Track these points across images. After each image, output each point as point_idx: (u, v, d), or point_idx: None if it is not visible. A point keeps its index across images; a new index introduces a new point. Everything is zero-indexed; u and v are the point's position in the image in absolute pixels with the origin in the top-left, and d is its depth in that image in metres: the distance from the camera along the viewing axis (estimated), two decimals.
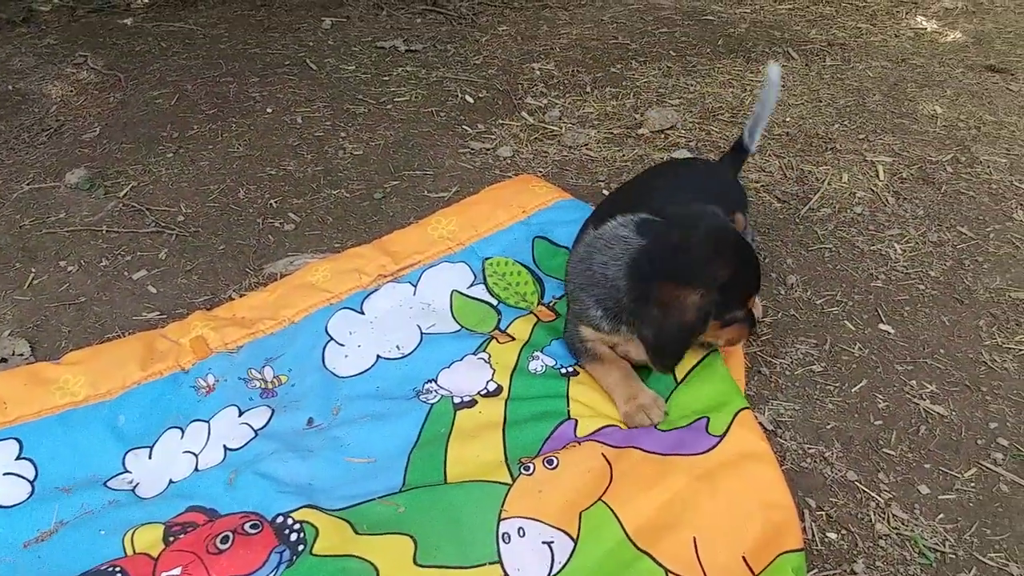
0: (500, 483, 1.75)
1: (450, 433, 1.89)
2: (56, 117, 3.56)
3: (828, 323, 2.29)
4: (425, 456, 1.85)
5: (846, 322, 2.30)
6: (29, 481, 1.85)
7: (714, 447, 1.77)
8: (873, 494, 1.83)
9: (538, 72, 3.82)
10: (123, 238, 2.69)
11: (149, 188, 2.98)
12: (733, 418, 1.82)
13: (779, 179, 2.99)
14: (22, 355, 2.20)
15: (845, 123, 3.37)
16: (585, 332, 2.01)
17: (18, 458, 1.88)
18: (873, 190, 2.91)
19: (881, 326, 2.28)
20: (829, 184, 2.94)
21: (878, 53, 4.03)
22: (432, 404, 1.97)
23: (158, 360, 2.12)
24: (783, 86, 3.66)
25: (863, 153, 3.15)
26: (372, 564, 1.59)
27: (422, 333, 2.19)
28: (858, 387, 2.09)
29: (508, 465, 1.81)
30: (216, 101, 3.60)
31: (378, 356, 2.14)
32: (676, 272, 1.79)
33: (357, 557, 1.61)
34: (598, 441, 1.85)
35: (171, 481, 1.87)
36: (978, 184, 2.94)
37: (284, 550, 1.64)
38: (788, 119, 3.39)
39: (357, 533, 1.67)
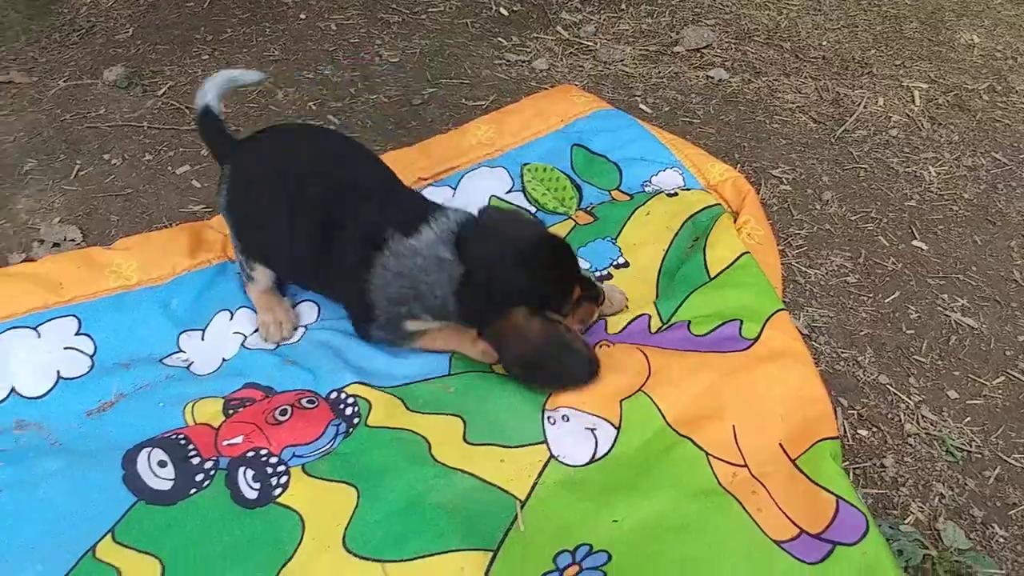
0: None
1: None
2: (87, 18, 3.54)
3: (862, 238, 2.33)
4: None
5: (880, 237, 2.34)
6: (89, 356, 1.91)
7: (748, 348, 1.82)
8: (903, 397, 1.89)
9: None
10: (165, 134, 2.71)
11: (187, 88, 2.99)
12: (766, 321, 1.85)
13: (815, 100, 2.99)
14: (74, 240, 2.25)
15: (881, 49, 3.36)
16: (410, 325, 1.87)
17: (77, 334, 1.94)
18: (908, 115, 2.92)
19: (914, 242, 2.32)
20: (865, 107, 2.95)
21: None
22: None
23: (205, 250, 2.17)
24: (819, 10, 3.64)
25: (899, 79, 3.14)
26: (424, 438, 1.67)
27: None
28: (891, 298, 2.14)
29: None
30: (249, 6, 3.58)
31: None
32: (497, 300, 1.71)
33: (409, 431, 1.68)
34: (631, 343, 1.90)
35: (224, 360, 1.93)
36: (1013, 113, 2.95)
37: (340, 423, 1.72)
38: (824, 43, 3.38)
39: (409, 410, 1.74)
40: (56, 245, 2.23)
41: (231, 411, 1.77)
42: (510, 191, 2.37)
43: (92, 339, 1.94)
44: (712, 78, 3.10)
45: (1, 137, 2.71)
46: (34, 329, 1.93)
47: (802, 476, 1.53)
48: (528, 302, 1.70)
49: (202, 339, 1.99)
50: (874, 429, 1.82)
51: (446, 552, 1.46)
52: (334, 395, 1.77)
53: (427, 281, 1.75)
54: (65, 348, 1.91)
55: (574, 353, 1.74)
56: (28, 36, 3.38)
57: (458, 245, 1.74)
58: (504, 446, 1.67)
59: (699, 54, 3.26)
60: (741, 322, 1.85)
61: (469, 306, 1.73)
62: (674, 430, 1.67)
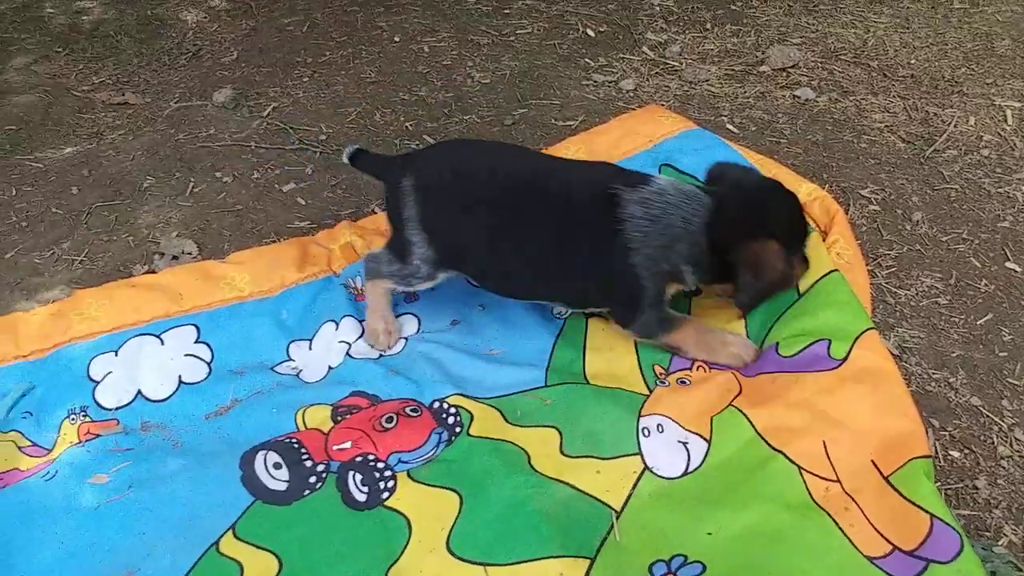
0: (638, 393, 1.87)
1: (585, 336, 2.03)
2: (193, 42, 3.75)
3: (954, 259, 2.33)
4: (565, 356, 1.99)
5: (972, 259, 2.33)
6: (207, 363, 2.05)
7: (837, 367, 1.83)
8: (996, 419, 1.89)
9: (658, 8, 3.84)
10: (271, 153, 2.87)
11: (289, 109, 3.15)
12: (855, 341, 1.84)
13: (903, 120, 2.99)
14: (190, 254, 2.40)
15: (972, 67, 3.33)
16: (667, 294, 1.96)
17: (196, 341, 2.08)
18: (1001, 134, 2.90)
19: (1008, 264, 2.31)
20: (955, 126, 2.93)
21: None
22: (564, 317, 2.10)
23: (312, 263, 2.29)
24: (907, 28, 3.62)
25: (991, 97, 3.11)
26: (523, 449, 1.75)
27: None
28: (983, 320, 2.14)
29: (643, 375, 1.93)
30: (345, 29, 3.74)
31: None
32: (754, 229, 1.81)
33: (508, 442, 1.77)
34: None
35: (330, 367, 2.05)
36: None
37: (443, 431, 1.81)
38: (913, 61, 3.37)
39: (507, 422, 1.82)
40: (175, 258, 2.38)
41: (339, 417, 1.88)
42: None
43: (210, 347, 2.07)
44: (799, 97, 3.12)
45: (121, 155, 2.90)
46: (158, 336, 2.08)
47: (895, 493, 1.55)
48: (779, 235, 1.80)
49: (310, 348, 2.10)
50: (966, 451, 1.83)
51: (546, 558, 1.54)
52: (437, 405, 1.87)
53: (682, 216, 1.83)
54: (186, 355, 2.05)
55: None
56: (140, 59, 3.60)
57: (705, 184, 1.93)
58: (599, 457, 1.74)
59: (785, 73, 3.28)
60: (830, 342, 1.86)
61: (724, 232, 1.82)
62: (765, 441, 1.71)
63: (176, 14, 4.00)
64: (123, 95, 3.31)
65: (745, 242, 1.78)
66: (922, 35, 3.58)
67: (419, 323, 2.16)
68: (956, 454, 1.82)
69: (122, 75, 3.48)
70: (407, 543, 1.60)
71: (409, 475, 1.73)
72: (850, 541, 1.51)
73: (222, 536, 1.65)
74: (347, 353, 2.08)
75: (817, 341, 1.88)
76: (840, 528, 1.53)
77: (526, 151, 2.17)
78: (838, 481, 1.61)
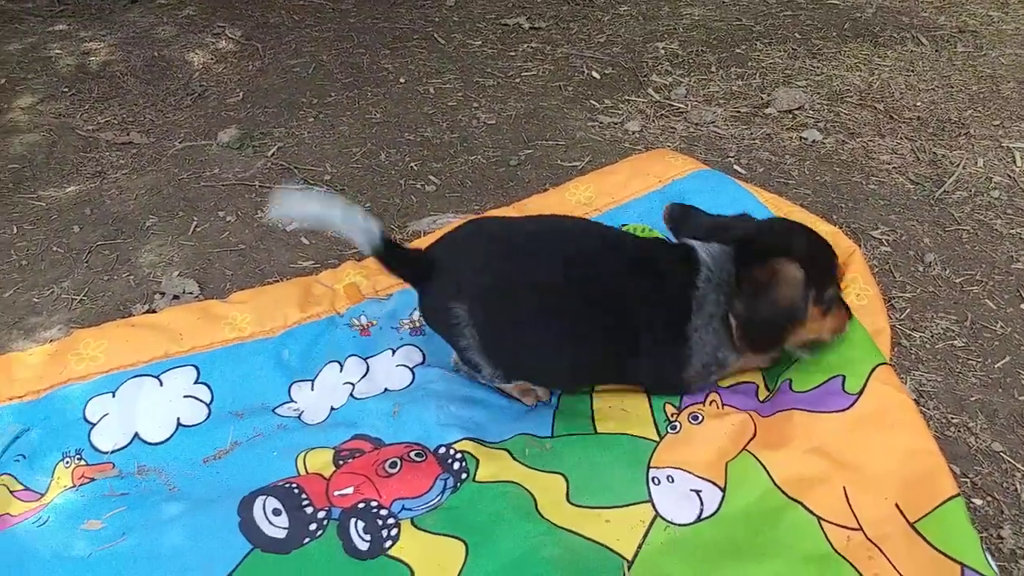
0: (648, 439, 1.82)
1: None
2: (199, 82, 3.75)
3: (968, 301, 2.29)
4: (571, 404, 1.94)
5: (987, 301, 2.29)
6: (206, 404, 2.00)
7: (852, 404, 1.78)
8: (1019, 465, 1.83)
9: (662, 51, 3.85)
10: (275, 193, 2.84)
11: (294, 149, 3.13)
12: (870, 375, 1.80)
13: (911, 161, 2.97)
14: (192, 293, 2.36)
15: (979, 109, 3.32)
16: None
17: (196, 383, 2.03)
18: (1011, 175, 2.87)
19: (1023, 306, 2.26)
20: (964, 168, 2.91)
21: (1011, 41, 3.94)
22: None
23: (315, 303, 2.25)
24: (911, 71, 3.62)
25: (998, 139, 3.10)
26: (530, 493, 1.69)
27: None
28: (1001, 363, 2.09)
29: (654, 417, 1.88)
30: (351, 71, 3.75)
31: None
32: (768, 248, 1.75)
33: (516, 483, 1.71)
34: (736, 407, 1.89)
35: (332, 408, 1.99)
36: None
37: (448, 477, 1.75)
38: (919, 103, 3.36)
39: (515, 459, 1.77)
40: (176, 297, 2.35)
41: (341, 461, 1.82)
42: None
43: (209, 388, 2.03)
44: (806, 139, 3.10)
45: (124, 194, 2.88)
46: (156, 377, 2.03)
47: (922, 541, 1.50)
48: (799, 258, 1.71)
49: (312, 389, 2.05)
50: (989, 498, 1.77)
51: None
52: (443, 450, 1.81)
53: (723, 269, 1.78)
54: (185, 396, 2.00)
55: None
56: (146, 99, 3.60)
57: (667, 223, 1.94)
58: (608, 507, 1.68)
59: (791, 115, 3.28)
60: (844, 377, 1.83)
61: (743, 258, 1.76)
62: (783, 491, 1.65)
63: (183, 55, 4.01)
64: (128, 135, 3.31)
65: (757, 264, 1.72)
66: (927, 78, 3.58)
67: (423, 355, 2.11)
68: (979, 502, 1.76)
69: (127, 115, 3.48)
70: None
71: (413, 523, 1.67)
72: None
73: None
74: (351, 394, 2.03)
75: (832, 378, 1.85)
76: None
77: (572, 221, 2.04)
78: (860, 529, 1.55)
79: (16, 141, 3.27)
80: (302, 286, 2.31)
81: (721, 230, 1.86)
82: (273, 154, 3.09)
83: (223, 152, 3.12)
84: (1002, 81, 3.55)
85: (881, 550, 1.51)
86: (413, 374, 2.05)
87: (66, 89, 3.68)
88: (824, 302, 1.79)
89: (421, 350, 2.13)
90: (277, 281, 2.41)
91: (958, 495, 1.54)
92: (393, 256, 1.83)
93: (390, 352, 2.12)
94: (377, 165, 3.00)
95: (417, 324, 2.19)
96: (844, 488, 1.62)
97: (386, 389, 2.02)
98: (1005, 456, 1.86)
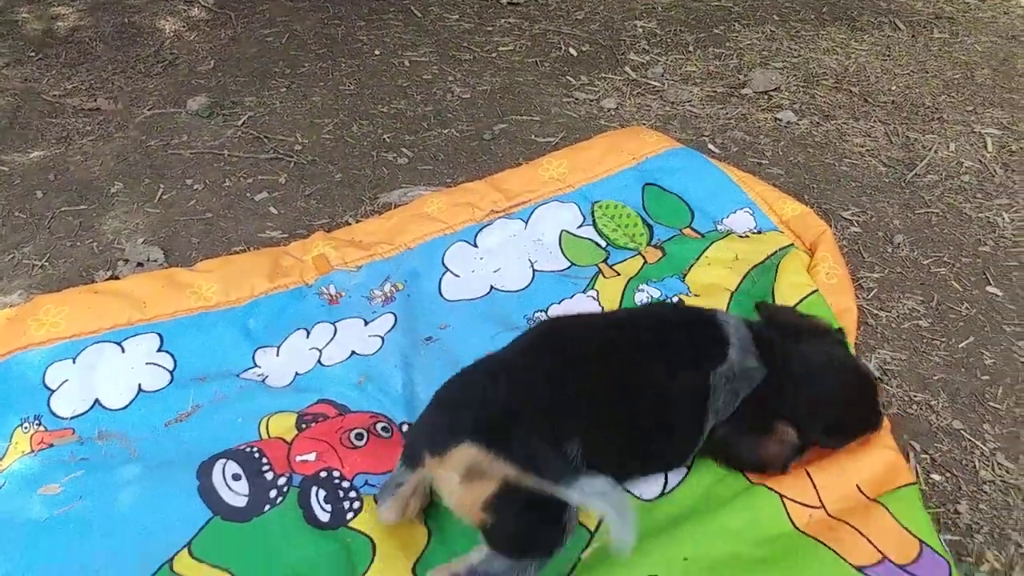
0: None
1: None
2: (170, 50, 3.69)
3: (935, 282, 2.31)
4: None
5: (953, 282, 2.31)
6: (169, 371, 1.97)
7: None
8: (978, 443, 1.85)
9: (640, 30, 3.83)
10: (244, 162, 2.81)
11: (265, 119, 3.09)
12: None
13: (884, 144, 2.98)
14: (156, 261, 2.33)
15: (952, 95, 3.33)
16: None
17: (159, 350, 2.00)
18: (981, 161, 2.89)
19: (988, 288, 2.28)
20: (936, 152, 2.93)
21: (987, 29, 3.96)
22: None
23: (283, 275, 2.22)
24: (888, 56, 3.63)
25: (970, 124, 3.11)
26: None
27: (534, 271, 2.26)
28: (965, 343, 2.11)
29: None
30: (325, 42, 3.70)
31: (492, 287, 2.22)
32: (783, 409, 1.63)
33: None
34: None
35: (297, 374, 1.97)
36: None
37: None
38: (894, 87, 3.37)
39: None
40: (140, 265, 2.31)
41: (304, 426, 1.81)
42: (581, 225, 2.40)
43: (172, 356, 2.00)
44: (780, 120, 3.11)
45: (90, 161, 2.83)
46: (118, 344, 2.00)
47: (885, 511, 1.52)
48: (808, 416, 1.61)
49: (277, 355, 2.03)
50: (948, 474, 1.79)
51: None
52: (407, 427, 1.80)
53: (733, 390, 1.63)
54: (147, 363, 1.98)
55: None
56: (115, 66, 3.54)
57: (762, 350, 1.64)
58: None
59: (767, 96, 3.27)
60: None
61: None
62: (746, 477, 1.66)
63: (153, 22, 3.94)
64: (95, 101, 3.25)
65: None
66: (903, 63, 3.59)
67: (395, 320, 2.10)
68: (937, 477, 1.78)
69: (95, 81, 3.41)
70: (371, 563, 1.53)
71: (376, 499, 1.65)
72: (836, 553, 1.46)
73: (177, 553, 1.57)
74: (318, 361, 2.01)
75: None
76: (825, 544, 1.48)
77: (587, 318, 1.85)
78: (822, 507, 1.57)
79: None
80: (271, 256, 2.28)
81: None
82: (243, 123, 3.05)
83: (192, 120, 3.07)
84: (976, 68, 3.56)
85: (843, 521, 1.52)
86: (383, 340, 2.03)
87: (33, 53, 3.60)
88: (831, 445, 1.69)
89: (394, 315, 2.11)
90: (244, 250, 2.38)
91: (915, 483, 1.57)
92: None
93: (362, 322, 2.10)
94: (349, 137, 2.96)
95: (388, 295, 2.18)
96: (807, 471, 1.63)
97: (353, 352, 2.00)
98: (965, 434, 1.87)
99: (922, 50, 3.71)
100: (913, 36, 3.85)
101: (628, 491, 1.64)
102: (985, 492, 1.75)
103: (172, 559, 1.56)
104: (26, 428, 1.85)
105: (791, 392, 1.62)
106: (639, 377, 1.57)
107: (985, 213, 2.60)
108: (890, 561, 1.44)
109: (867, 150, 2.94)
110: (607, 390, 1.54)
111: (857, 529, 1.50)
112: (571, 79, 3.39)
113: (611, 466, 1.45)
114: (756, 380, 1.61)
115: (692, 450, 1.66)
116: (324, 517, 1.62)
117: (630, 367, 1.58)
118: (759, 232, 2.31)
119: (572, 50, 3.65)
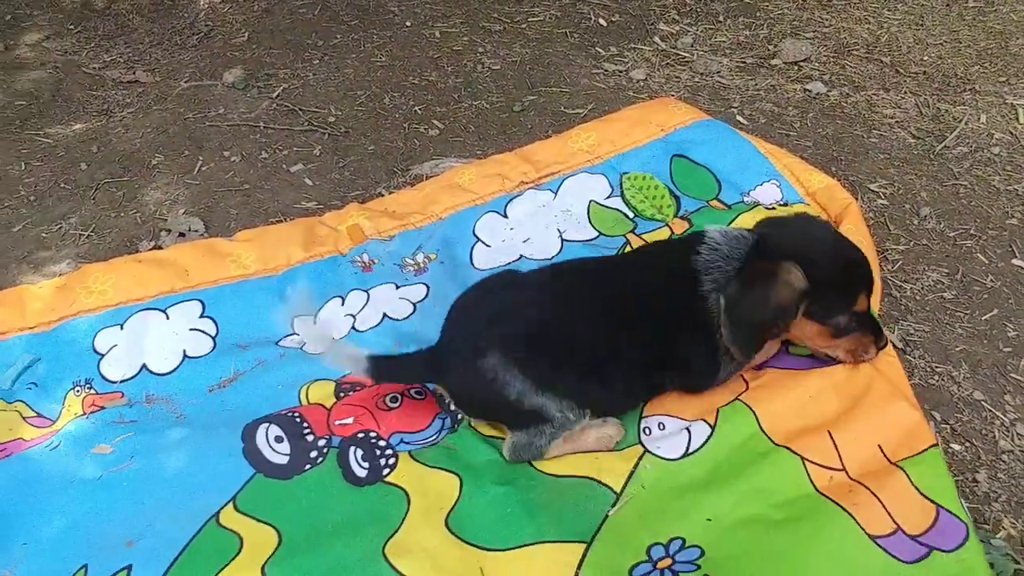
0: None
1: None
2: (205, 22, 3.75)
3: (960, 254, 2.33)
4: None
5: (979, 255, 2.32)
6: (211, 337, 2.06)
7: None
8: (998, 414, 1.89)
9: (670, 0, 3.83)
10: (279, 134, 2.87)
11: (299, 91, 3.15)
12: None
13: (914, 116, 2.98)
14: (197, 231, 2.41)
15: (985, 65, 3.31)
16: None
17: (201, 316, 2.08)
18: (1012, 132, 2.88)
19: (1015, 261, 2.30)
20: (966, 124, 2.92)
21: None
22: None
23: (318, 244, 2.29)
24: (920, 25, 3.60)
25: (1003, 96, 3.10)
26: None
27: (562, 240, 2.31)
28: (988, 315, 2.13)
29: None
30: (357, 13, 3.74)
31: (521, 255, 2.27)
32: (769, 249, 1.66)
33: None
34: None
35: (334, 340, 2.04)
36: None
37: (446, 417, 1.82)
38: (926, 58, 3.35)
39: None
40: (181, 235, 2.39)
41: (342, 393, 1.88)
42: (610, 196, 2.43)
43: (215, 322, 2.08)
44: (810, 91, 3.11)
45: (130, 132, 2.91)
46: (163, 311, 2.08)
47: (903, 475, 1.56)
48: (802, 264, 1.60)
49: (314, 323, 2.10)
50: (967, 444, 1.83)
51: (542, 543, 1.54)
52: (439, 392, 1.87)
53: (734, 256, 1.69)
54: (191, 329, 2.06)
55: None
56: (152, 38, 3.61)
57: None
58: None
59: (797, 67, 3.27)
60: None
61: (752, 261, 1.66)
62: (769, 438, 1.71)
63: None
64: (134, 73, 3.32)
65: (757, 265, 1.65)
66: (936, 32, 3.56)
67: (427, 291, 2.17)
68: (957, 447, 1.82)
69: (133, 54, 3.48)
70: (406, 514, 1.61)
71: (411, 455, 1.73)
72: (853, 519, 1.51)
73: (222, 508, 1.66)
74: (352, 327, 2.08)
75: None
76: (843, 508, 1.53)
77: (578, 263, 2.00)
78: (843, 469, 1.61)
79: (23, 78, 3.29)
80: (306, 227, 2.35)
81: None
82: (278, 95, 3.11)
83: (228, 92, 3.14)
84: (1011, 37, 3.53)
85: (864, 484, 1.57)
86: (414, 307, 2.10)
87: (72, 26, 3.68)
88: (830, 322, 1.69)
89: (426, 286, 2.17)
90: (281, 221, 2.45)
91: (936, 445, 1.61)
92: (391, 367, 1.78)
93: (393, 286, 2.17)
94: (381, 108, 3.02)
95: (421, 265, 2.24)
96: (830, 432, 1.68)
97: (385, 316, 2.07)
98: (985, 405, 1.91)
99: (956, 19, 3.68)
100: (947, 5, 3.81)
101: (653, 453, 1.70)
102: (1004, 462, 1.79)
103: (218, 513, 1.64)
104: (78, 392, 1.94)
105: (788, 240, 1.68)
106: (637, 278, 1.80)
107: (1014, 186, 2.60)
108: (903, 532, 1.48)
109: (896, 121, 2.94)
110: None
111: (874, 494, 1.54)
112: (600, 50, 3.41)
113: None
114: (749, 241, 1.70)
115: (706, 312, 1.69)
116: (362, 473, 1.70)
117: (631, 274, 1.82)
118: (785, 204, 2.33)
119: (602, 20, 3.66)
